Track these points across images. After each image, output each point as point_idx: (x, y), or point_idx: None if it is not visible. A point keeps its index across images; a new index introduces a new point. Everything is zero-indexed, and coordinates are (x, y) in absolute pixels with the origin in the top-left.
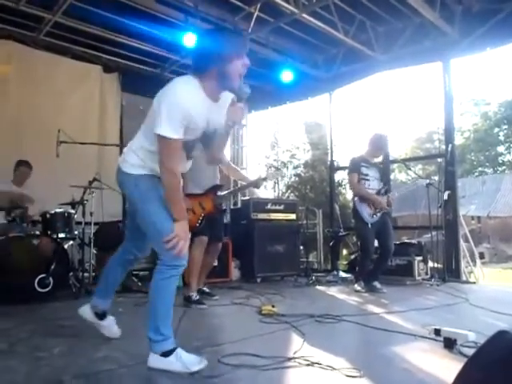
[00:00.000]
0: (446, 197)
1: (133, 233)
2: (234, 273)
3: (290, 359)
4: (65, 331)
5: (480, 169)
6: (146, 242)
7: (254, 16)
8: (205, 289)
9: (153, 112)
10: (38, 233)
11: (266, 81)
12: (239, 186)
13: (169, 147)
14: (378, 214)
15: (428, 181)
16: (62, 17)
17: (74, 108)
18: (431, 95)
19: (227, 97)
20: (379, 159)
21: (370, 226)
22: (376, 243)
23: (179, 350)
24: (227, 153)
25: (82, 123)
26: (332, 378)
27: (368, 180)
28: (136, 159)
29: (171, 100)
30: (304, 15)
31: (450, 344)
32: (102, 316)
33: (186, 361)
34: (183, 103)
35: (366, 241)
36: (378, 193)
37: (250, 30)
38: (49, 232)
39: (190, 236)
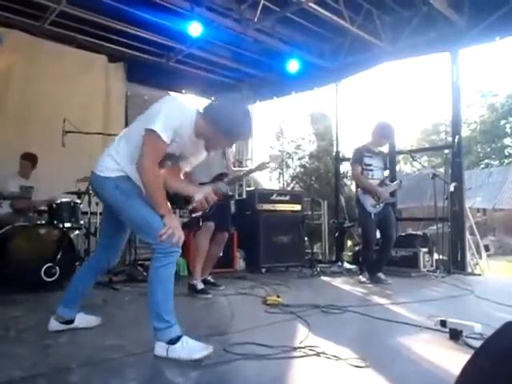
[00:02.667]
0: (452, 188)
1: (108, 240)
2: (239, 263)
3: (295, 349)
4: None
5: (486, 161)
6: (119, 250)
7: (260, 5)
8: (210, 279)
9: (145, 115)
10: (44, 222)
11: (272, 71)
12: (244, 171)
13: (155, 145)
14: (381, 205)
15: (434, 171)
16: (67, 6)
17: (79, 98)
18: (438, 86)
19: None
20: (384, 148)
21: (372, 216)
22: (378, 235)
23: (185, 338)
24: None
25: (87, 113)
26: (337, 368)
27: (371, 170)
28: (113, 163)
29: (177, 107)
30: (310, 4)
31: (455, 335)
32: (70, 322)
33: (192, 348)
34: (183, 115)
35: (367, 231)
36: (382, 182)
37: (255, 20)
38: (55, 222)
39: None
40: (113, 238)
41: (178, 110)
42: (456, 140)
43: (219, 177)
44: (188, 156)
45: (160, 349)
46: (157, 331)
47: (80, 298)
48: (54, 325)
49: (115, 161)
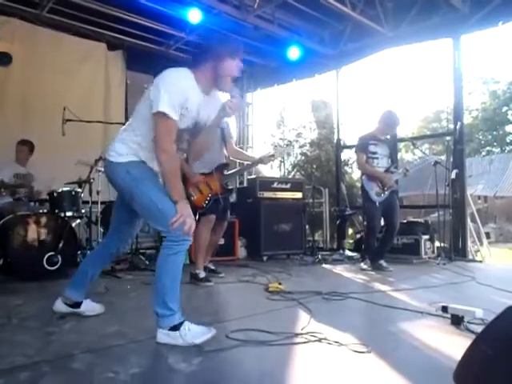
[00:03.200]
0: (453, 175)
1: (119, 225)
2: (241, 251)
3: (297, 335)
4: None
5: (488, 148)
6: (129, 238)
7: None
8: (210, 266)
9: (144, 101)
10: (45, 211)
11: (272, 58)
12: (245, 164)
13: (166, 125)
14: (386, 193)
15: (435, 159)
16: None
17: (79, 86)
18: (439, 74)
19: (219, 95)
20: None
21: (377, 204)
22: (382, 222)
23: (187, 323)
24: (233, 132)
25: (86, 101)
26: (339, 354)
27: (377, 158)
28: (124, 148)
29: (171, 82)
30: None
31: (457, 321)
32: (76, 305)
33: (194, 332)
34: (181, 86)
35: (372, 219)
36: (387, 170)
37: (255, 6)
38: (56, 210)
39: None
40: (124, 224)
41: (175, 84)
42: (458, 127)
43: (220, 167)
44: (205, 121)
45: (162, 336)
46: (159, 317)
47: (88, 282)
48: (59, 306)
49: (127, 145)
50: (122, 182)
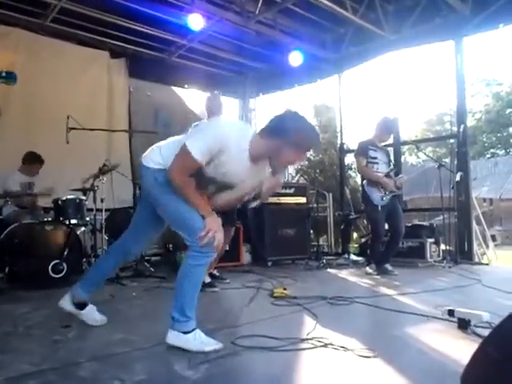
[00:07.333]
0: (458, 178)
1: (137, 228)
2: (245, 257)
3: (303, 340)
4: None
5: (492, 150)
6: (145, 241)
7: None
8: (215, 273)
9: (195, 128)
10: (50, 219)
11: (274, 63)
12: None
13: (186, 161)
14: (388, 197)
15: (439, 163)
16: (68, 2)
17: (83, 94)
18: (441, 76)
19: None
20: (388, 142)
21: (379, 208)
22: (386, 226)
23: (198, 331)
24: None
25: (90, 109)
26: (346, 359)
27: (377, 163)
28: (158, 157)
29: (217, 128)
30: None
31: (464, 324)
32: (81, 306)
33: (203, 341)
34: (225, 137)
35: (376, 224)
36: (387, 175)
37: (257, 12)
38: (61, 218)
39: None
40: (143, 227)
41: (220, 135)
42: (461, 129)
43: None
44: (237, 182)
45: (172, 336)
46: (175, 321)
47: (98, 281)
48: (65, 304)
49: (161, 154)
50: (150, 186)
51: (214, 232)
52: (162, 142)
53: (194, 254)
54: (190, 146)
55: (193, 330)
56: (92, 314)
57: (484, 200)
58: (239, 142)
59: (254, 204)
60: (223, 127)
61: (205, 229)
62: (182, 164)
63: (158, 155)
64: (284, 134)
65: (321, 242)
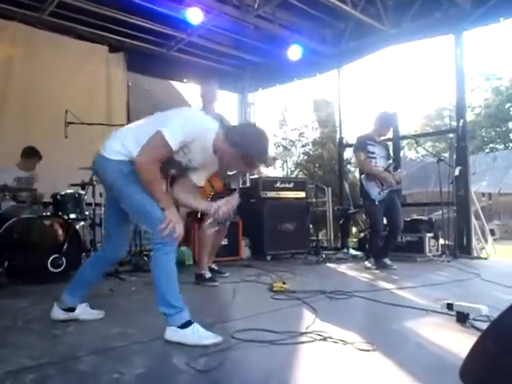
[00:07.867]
0: (457, 173)
1: (112, 229)
2: (245, 251)
3: (302, 334)
4: None
5: (491, 145)
6: (124, 240)
7: None
8: (214, 266)
9: (162, 115)
10: (49, 214)
11: (273, 58)
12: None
13: (160, 150)
14: (386, 191)
15: (438, 157)
16: None
17: (81, 89)
18: (441, 71)
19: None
20: (387, 136)
21: (377, 203)
22: (385, 220)
23: (196, 325)
24: None
25: (88, 104)
26: (345, 352)
27: (375, 158)
28: (120, 147)
29: (191, 118)
30: None
31: (462, 318)
32: (70, 310)
33: (202, 335)
34: (198, 133)
35: (374, 218)
36: (385, 170)
37: (256, 6)
38: (60, 213)
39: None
40: (117, 227)
41: (194, 126)
42: (461, 124)
43: None
44: (198, 167)
45: (170, 333)
46: (167, 317)
47: (85, 288)
48: (57, 313)
49: (122, 144)
50: (111, 178)
51: (174, 224)
52: (120, 132)
53: (158, 245)
54: (167, 135)
55: (190, 322)
56: (87, 309)
57: (483, 194)
58: (208, 133)
59: (208, 221)
60: (195, 117)
61: (165, 221)
62: (154, 153)
63: (119, 145)
64: (239, 146)
65: (320, 237)
